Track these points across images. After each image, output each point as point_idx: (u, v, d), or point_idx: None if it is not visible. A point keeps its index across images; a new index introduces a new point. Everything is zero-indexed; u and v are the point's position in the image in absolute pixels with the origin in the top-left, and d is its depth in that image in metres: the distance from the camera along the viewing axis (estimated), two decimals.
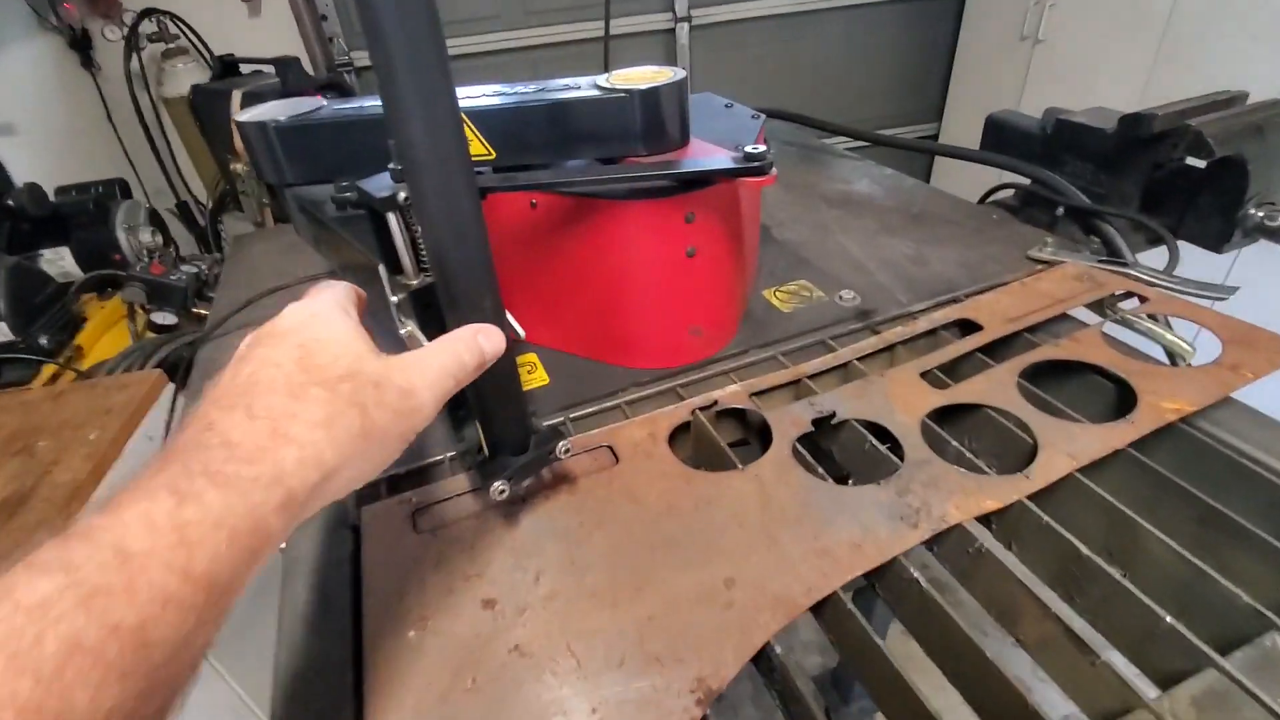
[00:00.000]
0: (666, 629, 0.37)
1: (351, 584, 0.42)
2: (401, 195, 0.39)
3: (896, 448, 0.48)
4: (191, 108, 1.81)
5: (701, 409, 0.52)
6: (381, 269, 0.39)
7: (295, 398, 0.26)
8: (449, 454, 0.51)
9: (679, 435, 0.52)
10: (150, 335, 1.21)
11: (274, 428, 0.25)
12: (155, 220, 1.54)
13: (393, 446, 0.30)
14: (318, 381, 0.27)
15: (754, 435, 0.54)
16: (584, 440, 0.50)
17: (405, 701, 0.35)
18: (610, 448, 0.50)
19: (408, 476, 0.50)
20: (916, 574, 0.40)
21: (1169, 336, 0.62)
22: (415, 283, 0.41)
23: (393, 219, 0.40)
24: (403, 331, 0.42)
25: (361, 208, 0.43)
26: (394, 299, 0.38)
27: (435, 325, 0.37)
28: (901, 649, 0.38)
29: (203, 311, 1.23)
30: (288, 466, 0.25)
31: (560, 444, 0.44)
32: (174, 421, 0.57)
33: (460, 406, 0.45)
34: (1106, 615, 0.40)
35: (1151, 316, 0.63)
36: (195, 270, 1.28)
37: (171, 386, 0.94)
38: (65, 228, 1.35)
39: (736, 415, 0.54)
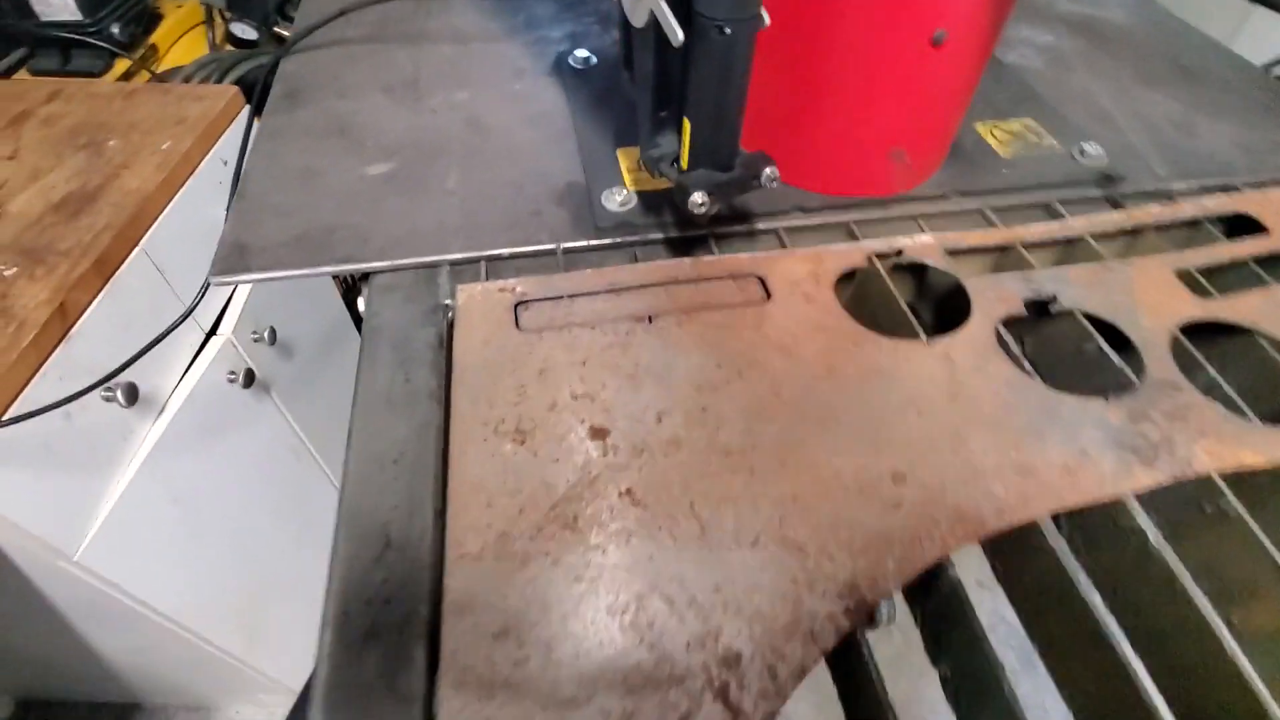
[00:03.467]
0: (814, 515, 0.30)
1: (443, 373, 0.36)
2: None
3: (1126, 358, 0.37)
4: None
5: (879, 255, 0.41)
6: None
7: None
8: (562, 244, 0.42)
9: (840, 285, 0.42)
10: (229, 49, 1.10)
11: None
12: None
13: None
14: None
15: (930, 303, 0.43)
16: (729, 263, 0.40)
17: (494, 524, 0.29)
18: (762, 279, 0.40)
19: (511, 260, 0.42)
20: (1143, 524, 0.31)
21: None
22: None
23: None
24: None
25: None
26: None
27: None
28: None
29: (285, 33, 1.11)
30: None
31: (767, 170, 0.37)
32: (248, 147, 0.48)
33: (664, 105, 0.38)
34: None
35: None
36: None
37: (248, 109, 0.85)
38: None
39: (918, 274, 0.43)
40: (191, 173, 0.78)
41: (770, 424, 0.33)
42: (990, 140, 0.49)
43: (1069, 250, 0.44)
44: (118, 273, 0.67)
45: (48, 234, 0.66)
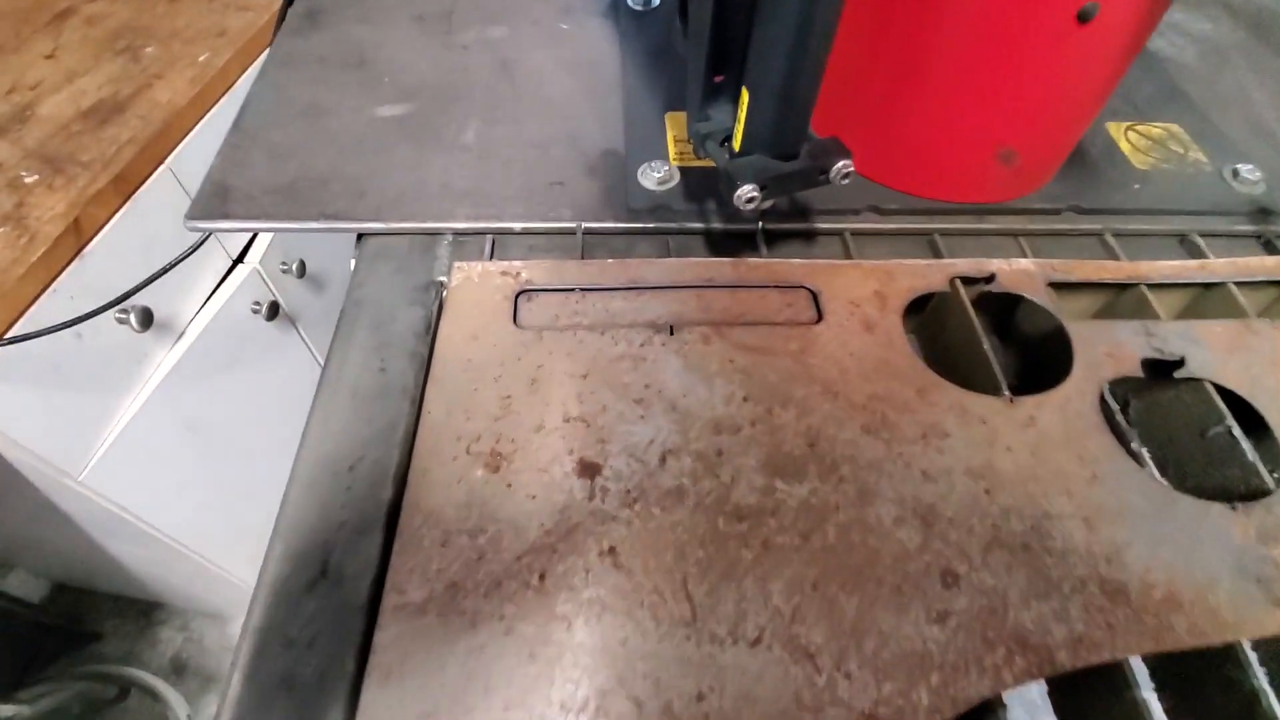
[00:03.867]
0: (835, 614, 0.24)
1: (424, 366, 0.31)
2: None
3: (1262, 451, 0.29)
4: None
5: (965, 280, 0.34)
6: None
7: None
8: (584, 224, 0.36)
9: (909, 312, 0.34)
10: None
11: None
12: None
13: None
14: None
15: (1019, 348, 0.36)
16: (778, 270, 0.34)
17: (445, 570, 0.24)
18: (814, 294, 0.33)
19: (522, 237, 0.36)
20: (1259, 684, 0.24)
21: None
22: None
23: None
24: None
25: None
26: None
27: None
28: None
29: None
30: None
31: (839, 163, 0.30)
32: (271, 55, 0.43)
33: (721, 68, 0.31)
34: None
35: None
36: None
37: None
38: None
39: (1009, 307, 0.35)
40: (227, 89, 0.74)
41: (798, 483, 0.27)
42: (1123, 145, 0.40)
43: (1204, 298, 0.35)
44: (139, 191, 0.64)
45: (72, 142, 0.63)
